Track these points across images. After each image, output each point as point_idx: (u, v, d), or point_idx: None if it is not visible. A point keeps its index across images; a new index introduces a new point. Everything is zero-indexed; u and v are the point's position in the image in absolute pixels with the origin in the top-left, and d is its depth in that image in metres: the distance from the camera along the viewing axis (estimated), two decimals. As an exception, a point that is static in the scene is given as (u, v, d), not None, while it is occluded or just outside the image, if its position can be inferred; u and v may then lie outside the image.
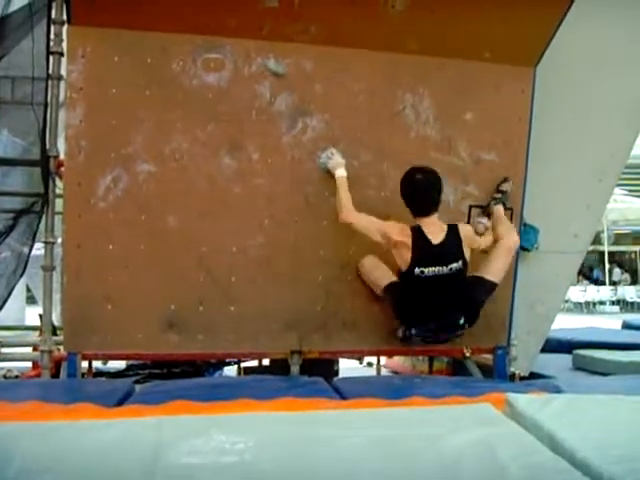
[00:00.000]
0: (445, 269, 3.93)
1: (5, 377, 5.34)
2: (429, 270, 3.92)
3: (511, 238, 4.18)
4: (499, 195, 4.40)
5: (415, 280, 3.95)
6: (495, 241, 4.18)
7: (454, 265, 3.94)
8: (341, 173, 4.09)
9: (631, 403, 2.73)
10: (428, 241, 3.95)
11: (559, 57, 4.48)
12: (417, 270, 3.93)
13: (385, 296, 4.16)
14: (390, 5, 3.98)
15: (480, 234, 4.34)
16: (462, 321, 4.02)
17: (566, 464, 2.04)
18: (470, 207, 4.45)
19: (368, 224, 4.00)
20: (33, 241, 4.43)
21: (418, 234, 3.95)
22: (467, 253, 4.02)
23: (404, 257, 3.95)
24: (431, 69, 4.35)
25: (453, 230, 4.02)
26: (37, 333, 5.31)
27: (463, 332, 4.14)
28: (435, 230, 3.98)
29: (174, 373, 5.54)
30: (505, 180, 4.44)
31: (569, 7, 4.14)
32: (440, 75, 4.37)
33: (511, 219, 4.49)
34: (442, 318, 4.04)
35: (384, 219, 4.15)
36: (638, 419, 2.49)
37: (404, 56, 4.26)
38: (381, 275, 4.15)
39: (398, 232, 3.97)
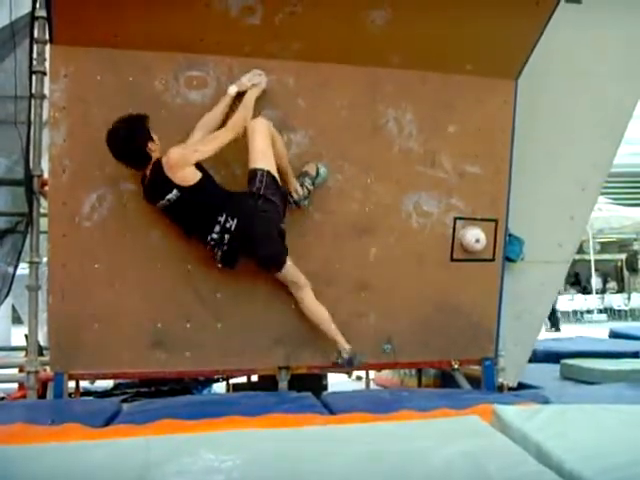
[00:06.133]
0: (163, 202, 3.83)
1: (-9, 399, 5.31)
2: (159, 204, 3.88)
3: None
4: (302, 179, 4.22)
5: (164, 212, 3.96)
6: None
7: (169, 196, 3.79)
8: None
9: (618, 412, 2.74)
10: (143, 180, 3.91)
11: (541, 69, 4.52)
12: (158, 205, 3.91)
13: None
14: (370, 20, 4.01)
15: (479, 251, 4.45)
16: (232, 225, 3.85)
17: (553, 475, 2.05)
18: (455, 219, 4.47)
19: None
20: (18, 261, 4.42)
21: (142, 176, 3.93)
22: (189, 175, 3.81)
23: None
24: (413, 83, 4.37)
25: (155, 165, 3.82)
26: (23, 354, 5.27)
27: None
28: (149, 168, 3.86)
29: (162, 391, 5.51)
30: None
31: (549, 20, 4.17)
32: (422, 88, 4.39)
33: (495, 230, 4.52)
34: (202, 232, 3.93)
35: (369, 231, 4.22)
36: (625, 429, 2.50)
37: (386, 70, 4.29)
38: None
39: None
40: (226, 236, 3.88)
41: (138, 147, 3.79)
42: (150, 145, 3.80)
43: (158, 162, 3.80)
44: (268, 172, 3.91)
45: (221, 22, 3.89)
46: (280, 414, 3.28)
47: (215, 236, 3.88)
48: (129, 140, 3.76)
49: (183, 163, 3.78)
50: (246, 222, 3.90)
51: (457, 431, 2.51)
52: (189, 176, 3.80)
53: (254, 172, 3.92)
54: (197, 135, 3.96)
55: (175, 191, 3.79)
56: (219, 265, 4.00)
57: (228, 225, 3.86)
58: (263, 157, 3.94)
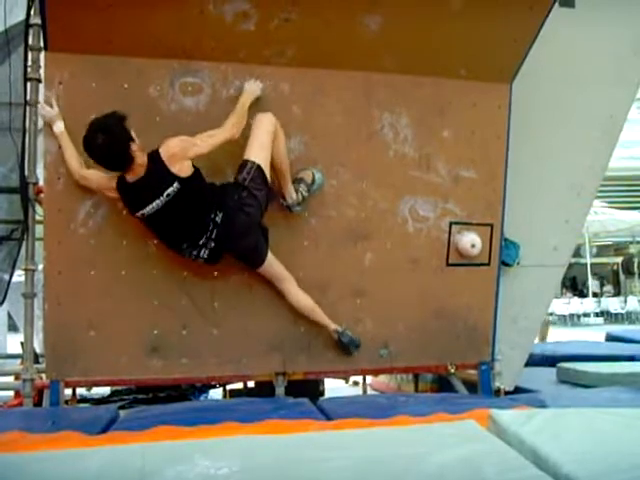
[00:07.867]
0: (161, 200, 3.66)
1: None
2: (148, 209, 3.69)
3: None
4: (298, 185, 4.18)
5: (148, 222, 3.82)
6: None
7: (169, 190, 3.65)
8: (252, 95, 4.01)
9: (615, 416, 2.74)
10: (126, 184, 3.71)
11: (536, 73, 4.53)
12: (139, 215, 3.76)
13: None
14: (365, 25, 4.01)
15: (475, 255, 4.45)
16: (219, 219, 3.79)
17: (550, 479, 2.04)
18: (450, 224, 4.48)
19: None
20: (13, 268, 4.40)
21: (120, 181, 3.74)
22: (185, 167, 3.69)
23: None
24: (408, 88, 4.38)
25: (153, 158, 3.67)
26: (19, 361, 5.26)
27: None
28: (135, 168, 3.67)
29: (159, 398, 5.50)
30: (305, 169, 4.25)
31: (542, 24, 4.18)
32: (417, 93, 4.40)
33: (491, 235, 4.52)
34: (195, 234, 3.82)
35: (365, 237, 4.21)
36: (622, 432, 2.50)
37: (380, 75, 4.30)
38: None
39: (108, 188, 3.82)
40: (215, 231, 3.82)
41: (120, 152, 3.59)
42: (132, 146, 3.61)
43: (156, 154, 3.66)
44: (258, 166, 3.85)
45: (216, 28, 3.89)
46: (277, 420, 3.27)
47: (208, 234, 3.81)
48: (109, 146, 3.56)
49: (182, 155, 3.67)
50: (229, 216, 3.83)
51: (454, 436, 2.50)
52: (185, 167, 3.70)
53: (245, 162, 3.88)
54: None
55: (176, 184, 3.65)
56: (200, 262, 3.94)
57: (218, 219, 3.81)
58: (259, 151, 3.90)
